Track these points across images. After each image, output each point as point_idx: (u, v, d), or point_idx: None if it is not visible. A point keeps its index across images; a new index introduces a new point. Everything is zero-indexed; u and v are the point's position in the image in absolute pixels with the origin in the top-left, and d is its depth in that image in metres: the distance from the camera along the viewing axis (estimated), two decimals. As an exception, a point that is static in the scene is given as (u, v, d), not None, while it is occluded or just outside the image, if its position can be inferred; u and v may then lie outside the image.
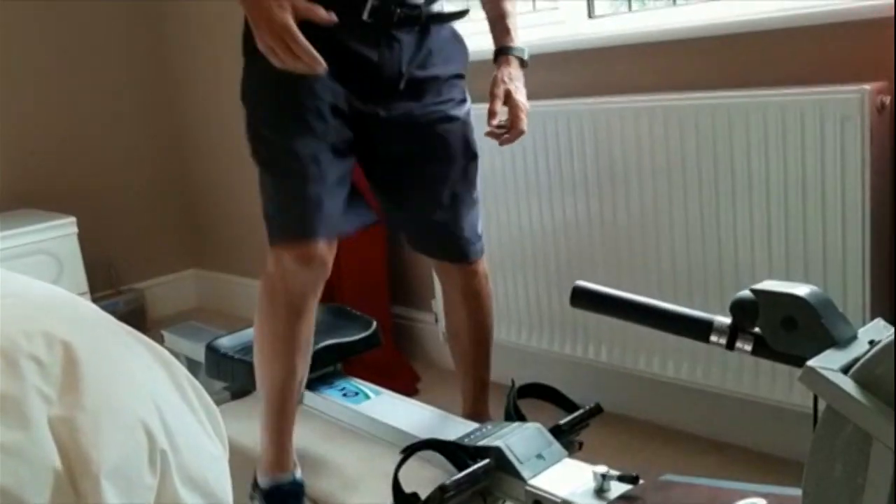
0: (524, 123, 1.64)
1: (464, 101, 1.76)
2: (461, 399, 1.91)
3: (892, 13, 1.55)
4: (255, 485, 1.75)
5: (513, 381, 1.68)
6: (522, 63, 1.70)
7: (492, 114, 1.61)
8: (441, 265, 1.83)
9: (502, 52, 1.70)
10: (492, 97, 1.62)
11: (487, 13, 1.77)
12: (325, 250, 1.58)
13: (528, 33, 2.29)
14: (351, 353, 2.02)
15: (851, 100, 1.57)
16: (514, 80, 1.66)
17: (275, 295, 1.62)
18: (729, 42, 1.83)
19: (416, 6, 1.62)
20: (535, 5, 2.38)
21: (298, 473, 1.75)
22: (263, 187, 1.64)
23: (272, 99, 1.59)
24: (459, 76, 1.76)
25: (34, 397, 1.10)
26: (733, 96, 1.74)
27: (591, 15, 2.21)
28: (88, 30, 3.23)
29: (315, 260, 1.57)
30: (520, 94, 1.65)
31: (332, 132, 1.58)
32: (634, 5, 2.16)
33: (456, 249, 1.77)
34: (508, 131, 1.64)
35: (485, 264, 1.83)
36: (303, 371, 1.70)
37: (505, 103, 1.63)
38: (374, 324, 2.06)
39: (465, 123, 1.74)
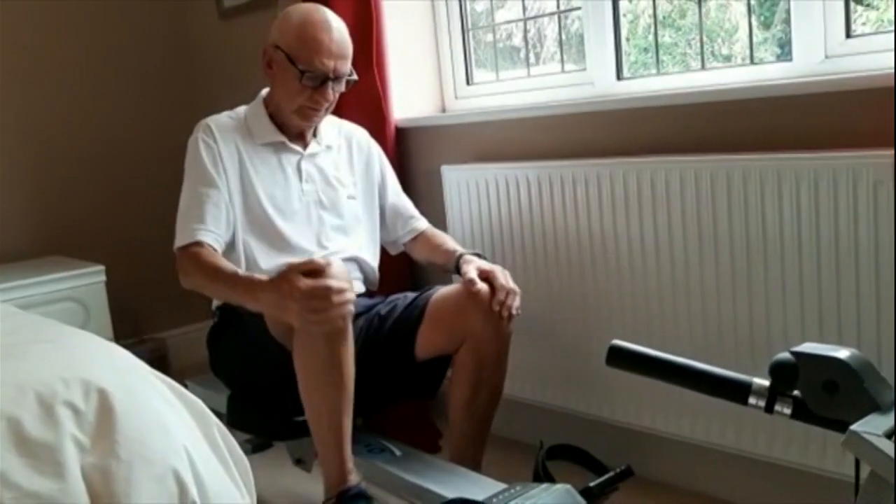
0: (502, 279, 1.83)
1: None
2: (455, 440, 1.96)
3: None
4: None
5: (541, 442, 1.66)
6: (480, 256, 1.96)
7: (472, 282, 1.80)
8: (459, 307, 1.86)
9: (460, 258, 1.94)
10: (466, 277, 1.84)
11: (423, 255, 2.12)
12: None
13: (556, 93, 2.35)
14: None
15: (883, 164, 1.57)
16: (479, 261, 1.89)
17: (310, 337, 1.67)
18: (759, 105, 1.85)
19: None
20: (564, 66, 2.42)
21: (362, 484, 1.76)
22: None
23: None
24: None
25: (69, 445, 1.11)
26: (765, 159, 1.75)
27: (619, 77, 2.24)
28: (125, 81, 3.30)
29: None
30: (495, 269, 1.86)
31: None
32: (655, 69, 2.20)
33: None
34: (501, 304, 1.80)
35: None
36: (352, 386, 1.72)
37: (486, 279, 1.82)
38: None
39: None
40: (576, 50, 2.33)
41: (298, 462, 2.04)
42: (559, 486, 1.47)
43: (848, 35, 1.82)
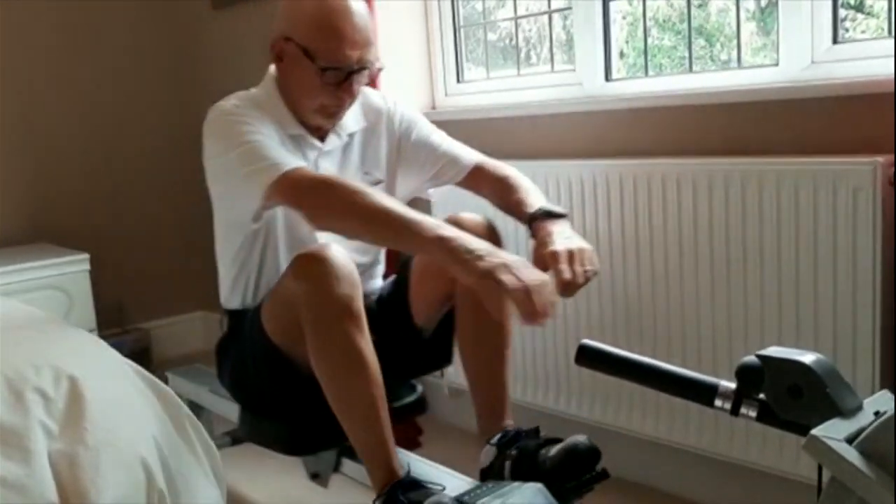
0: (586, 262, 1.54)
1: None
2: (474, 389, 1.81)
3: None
4: None
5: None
6: (553, 216, 1.65)
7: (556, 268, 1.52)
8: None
9: (533, 219, 1.66)
10: (545, 261, 1.53)
11: (492, 197, 1.86)
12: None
13: (545, 93, 2.35)
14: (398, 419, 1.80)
15: (864, 171, 1.58)
16: (556, 236, 1.58)
17: (320, 307, 1.53)
18: (743, 109, 1.85)
19: None
20: (563, 66, 2.42)
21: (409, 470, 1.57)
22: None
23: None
24: None
25: (37, 430, 1.11)
26: (747, 163, 1.76)
27: (608, 78, 2.24)
28: (117, 70, 3.30)
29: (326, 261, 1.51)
30: (571, 243, 1.55)
31: None
32: (651, 71, 2.20)
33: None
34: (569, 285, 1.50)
35: None
36: (380, 376, 1.56)
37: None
38: (420, 388, 1.95)
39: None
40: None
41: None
42: (531, 485, 1.47)
43: (835, 41, 1.83)
